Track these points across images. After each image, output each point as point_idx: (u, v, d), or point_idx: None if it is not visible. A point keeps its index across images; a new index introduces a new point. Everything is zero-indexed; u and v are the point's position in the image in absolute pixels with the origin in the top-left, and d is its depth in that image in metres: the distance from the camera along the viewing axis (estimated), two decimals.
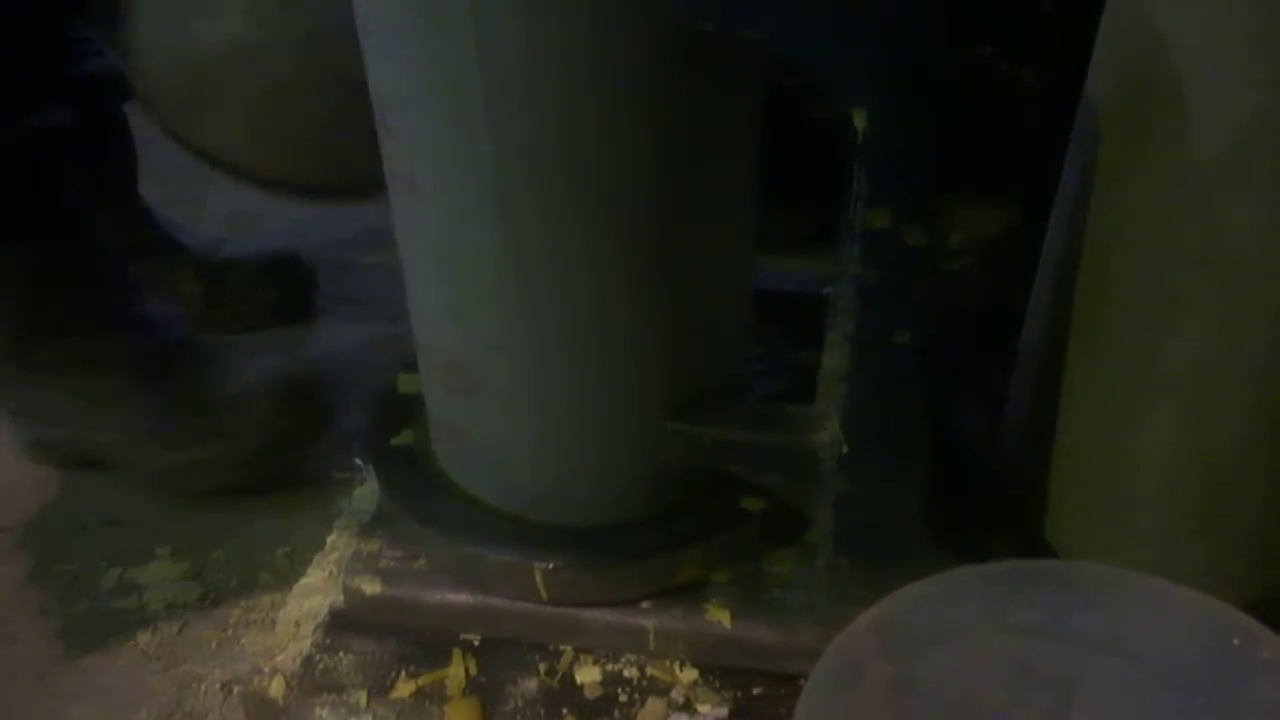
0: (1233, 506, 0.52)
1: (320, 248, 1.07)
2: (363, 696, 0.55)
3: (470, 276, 0.49)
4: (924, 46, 0.41)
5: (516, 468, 0.54)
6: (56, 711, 0.60)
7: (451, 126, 0.45)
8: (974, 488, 0.60)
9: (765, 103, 0.52)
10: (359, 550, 0.59)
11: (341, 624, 0.59)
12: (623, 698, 0.55)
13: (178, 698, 0.60)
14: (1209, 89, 0.44)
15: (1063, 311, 0.54)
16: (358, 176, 0.75)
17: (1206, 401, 0.49)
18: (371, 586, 0.57)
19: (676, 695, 0.55)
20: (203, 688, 0.61)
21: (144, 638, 0.64)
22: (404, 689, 0.55)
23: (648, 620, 0.56)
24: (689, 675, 0.56)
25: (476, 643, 0.58)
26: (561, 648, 0.57)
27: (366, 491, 0.67)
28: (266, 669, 0.58)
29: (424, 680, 0.56)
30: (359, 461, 0.73)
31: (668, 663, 0.56)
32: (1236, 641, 0.39)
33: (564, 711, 0.54)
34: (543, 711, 0.54)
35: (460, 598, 0.57)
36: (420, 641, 0.57)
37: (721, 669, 0.56)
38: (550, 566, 0.54)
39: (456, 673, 0.56)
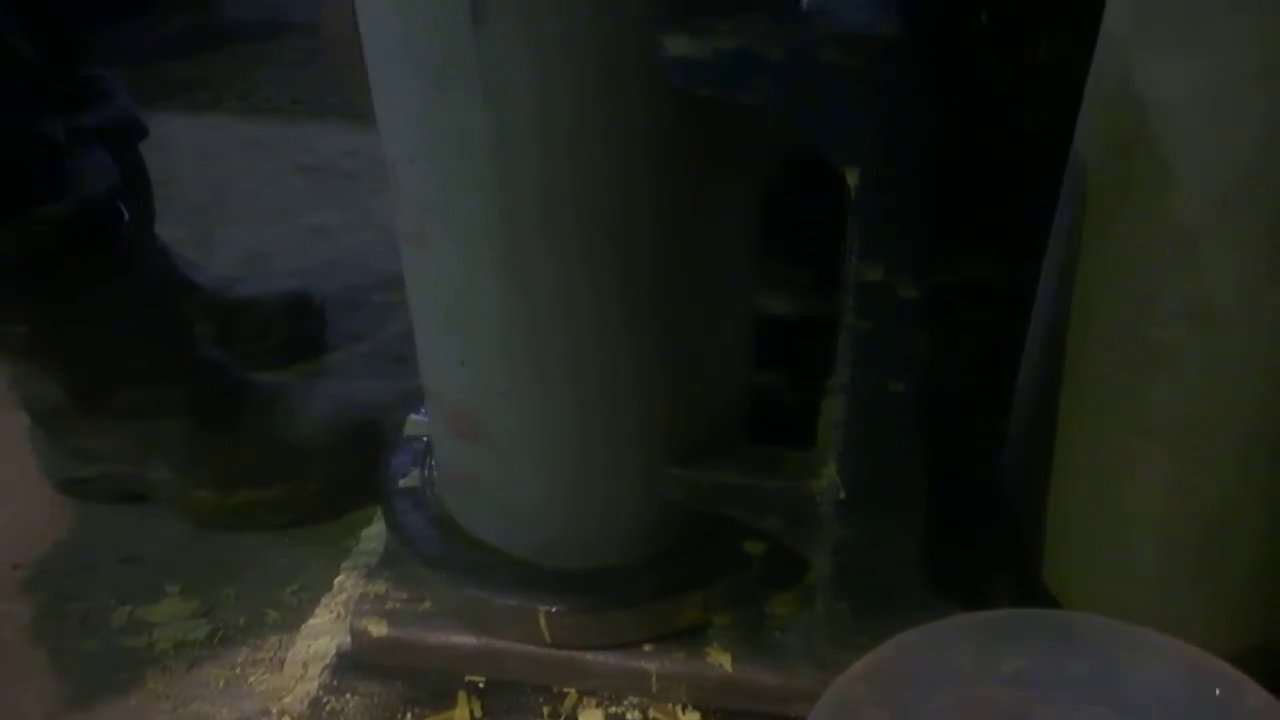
0: (1227, 554, 0.52)
1: (331, 286, 1.09)
2: None
3: (478, 326, 0.50)
4: (914, 107, 0.42)
5: (521, 512, 0.55)
6: None
7: (460, 183, 0.46)
8: (973, 532, 0.61)
9: (767, 155, 0.53)
10: (366, 592, 0.60)
11: (348, 665, 0.60)
12: None
13: None
14: (1191, 151, 0.45)
15: (1055, 359, 0.55)
16: None
17: (1195, 452, 0.50)
18: (378, 628, 0.58)
19: None
20: None
21: (153, 677, 0.65)
22: None
23: (650, 663, 0.56)
24: (691, 718, 0.57)
25: (482, 685, 0.58)
26: (565, 690, 0.58)
27: (375, 532, 0.68)
28: (274, 710, 0.58)
29: None
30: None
31: (670, 705, 0.57)
32: (1221, 692, 0.39)
33: None
34: None
35: (465, 640, 0.58)
36: (426, 683, 0.58)
37: (723, 712, 0.57)
38: (554, 610, 0.55)
39: (462, 714, 0.57)
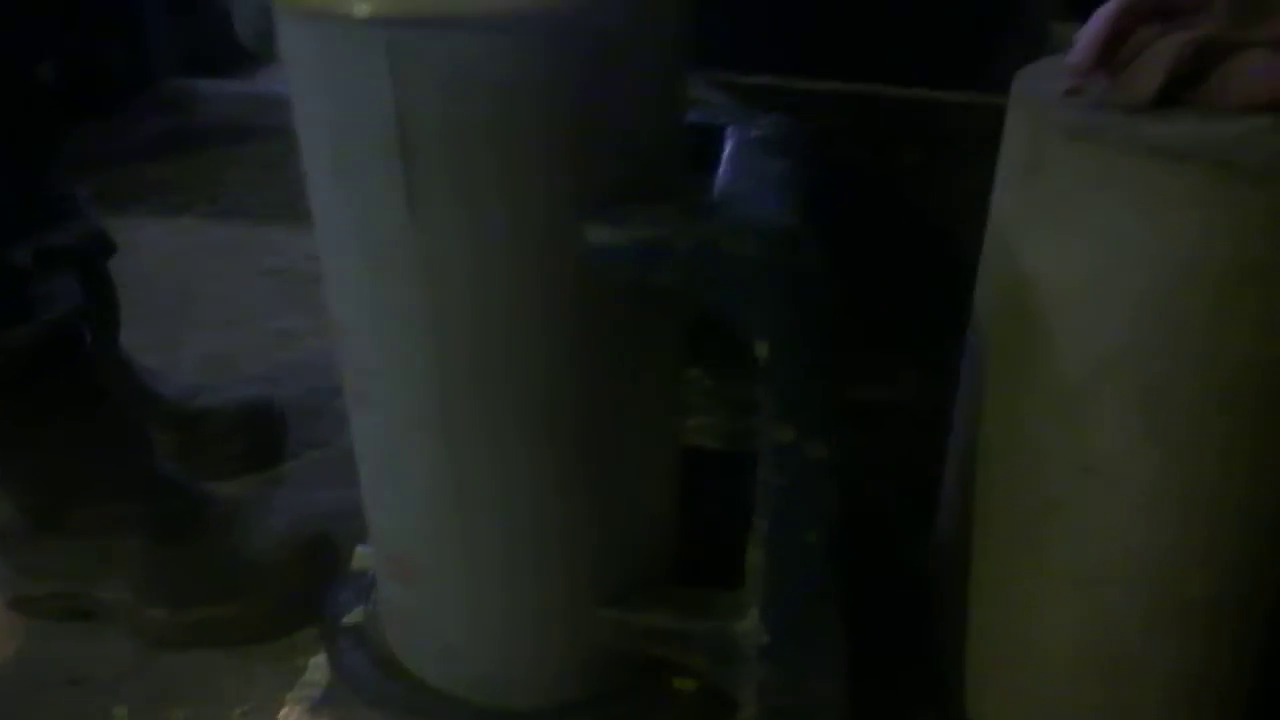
0: (1135, 693, 0.55)
1: (294, 391, 1.11)
2: None
3: (412, 479, 0.53)
4: (813, 290, 0.46)
5: (456, 653, 0.57)
6: None
7: (398, 352, 0.49)
8: (896, 669, 0.63)
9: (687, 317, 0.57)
10: None
11: None
12: None
13: None
14: (1072, 322, 0.49)
15: (967, 502, 0.58)
16: None
17: (1093, 596, 0.53)
18: None
19: None
20: None
21: None
22: None
23: None
24: None
25: None
26: None
27: (321, 661, 0.69)
28: None
29: None
30: None
31: None
32: None
33: None
34: None
35: None
36: None
37: None
38: None
39: None
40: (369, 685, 0.59)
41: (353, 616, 0.63)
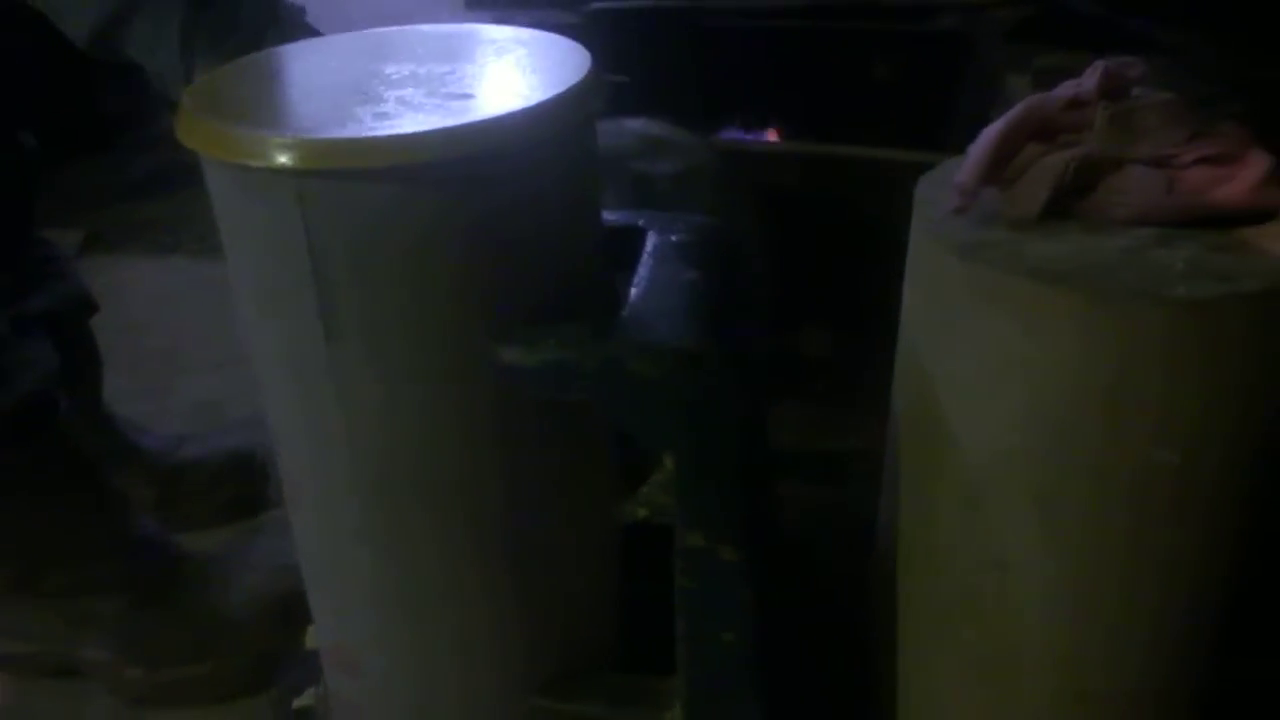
0: None
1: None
2: None
3: (344, 579, 0.55)
4: (717, 407, 0.48)
5: None
6: None
7: (320, 466, 0.52)
8: None
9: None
10: None
11: None
12: None
13: None
14: (971, 421, 0.51)
15: (888, 586, 0.60)
16: None
17: (1002, 689, 0.55)
18: None
19: None
20: None
21: None
22: None
23: None
24: None
25: None
26: None
27: None
28: None
29: None
30: None
31: None
32: None
33: None
34: None
35: None
36: None
37: None
38: None
39: None
40: None
41: (304, 699, 0.66)
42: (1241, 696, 0.58)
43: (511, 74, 0.50)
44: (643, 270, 0.54)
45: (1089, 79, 0.50)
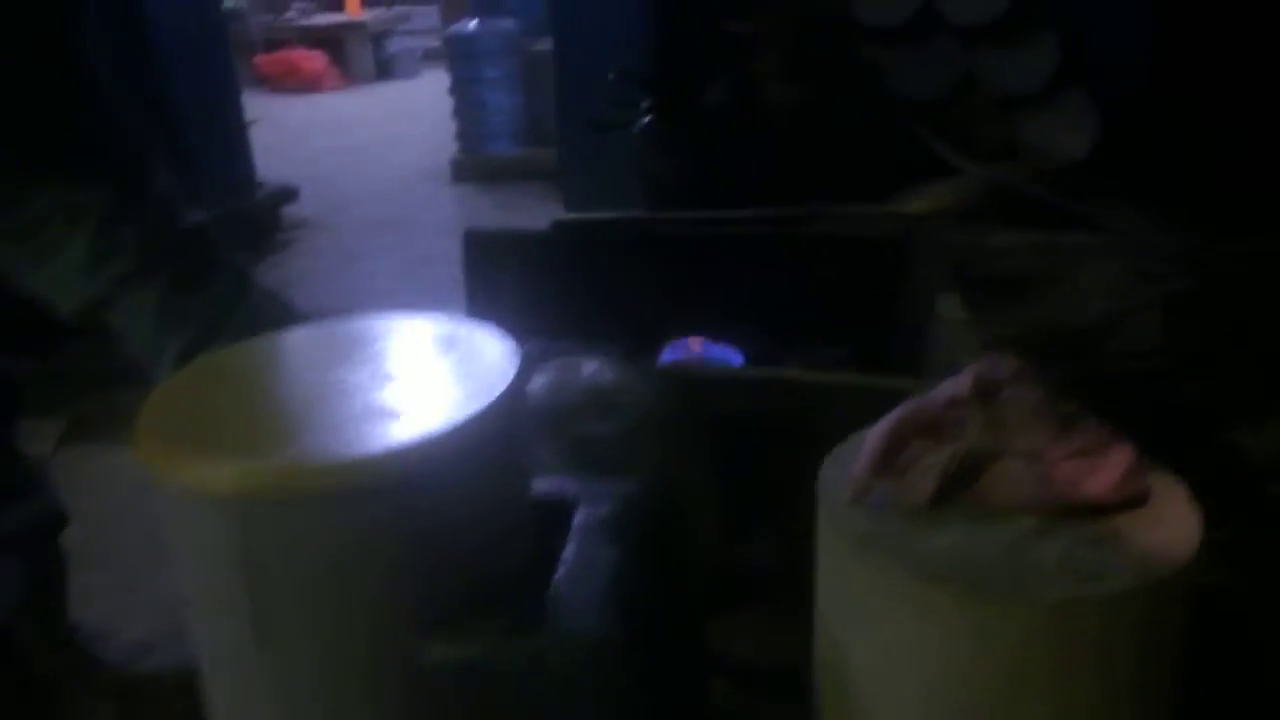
0: None
1: None
2: None
3: None
4: (628, 694, 0.51)
5: None
6: None
7: None
8: None
9: None
10: None
11: None
12: None
13: None
14: (879, 695, 0.54)
15: None
16: None
17: None
18: None
19: None
20: None
21: None
22: None
23: None
24: None
25: None
26: None
27: None
28: None
29: None
30: None
31: None
32: None
33: None
34: None
35: None
36: None
37: None
38: None
39: None
40: None
41: None
42: None
43: (445, 383, 0.55)
44: (568, 551, 0.57)
45: (964, 380, 0.55)
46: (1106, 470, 0.52)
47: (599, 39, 1.97)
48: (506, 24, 3.45)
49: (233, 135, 2.91)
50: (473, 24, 3.43)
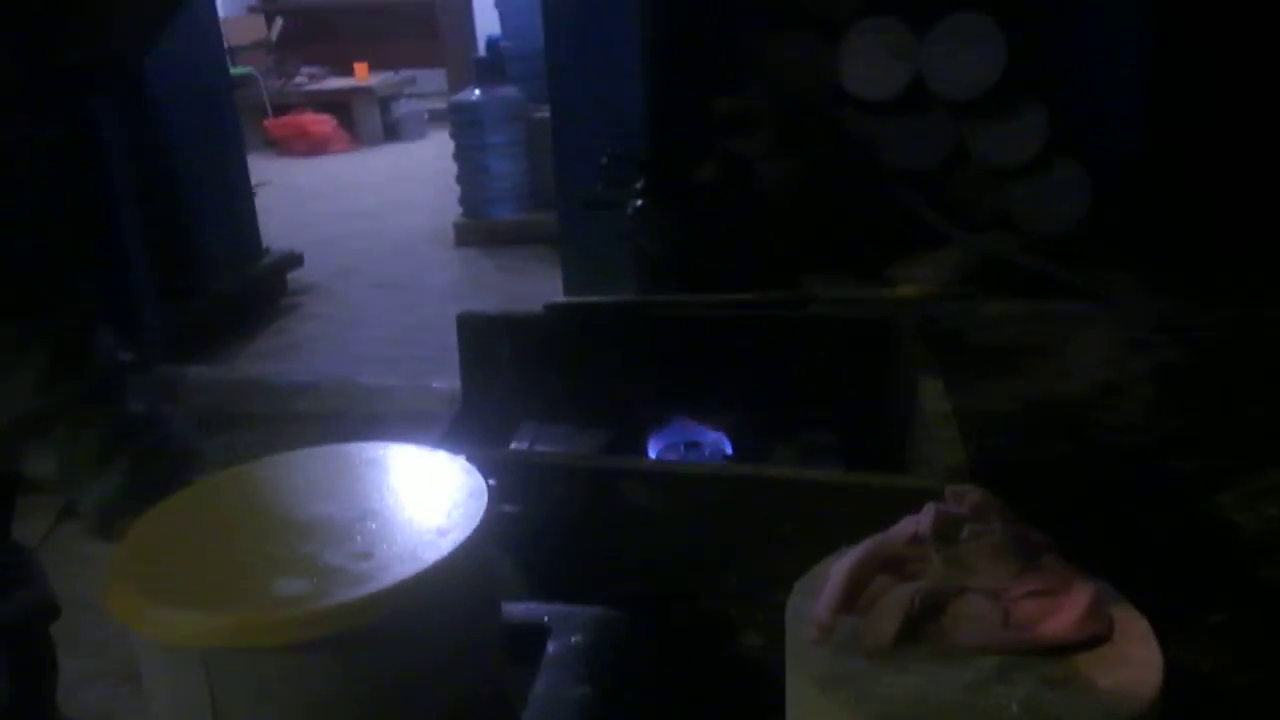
0: None
1: None
2: None
3: None
4: None
5: None
6: None
7: None
8: None
9: None
10: None
11: None
12: None
13: None
14: None
15: None
16: None
17: None
18: None
19: None
20: None
21: None
22: None
23: None
24: None
25: None
26: None
27: None
28: None
29: None
30: None
31: None
32: None
33: None
34: None
35: None
36: None
37: None
38: None
39: None
40: None
41: None
42: None
43: (412, 524, 0.55)
44: (539, 684, 0.58)
45: (925, 518, 0.56)
46: (1067, 609, 0.52)
47: (595, 115, 2.01)
48: (509, 91, 3.52)
49: (238, 203, 2.97)
50: (476, 92, 3.50)
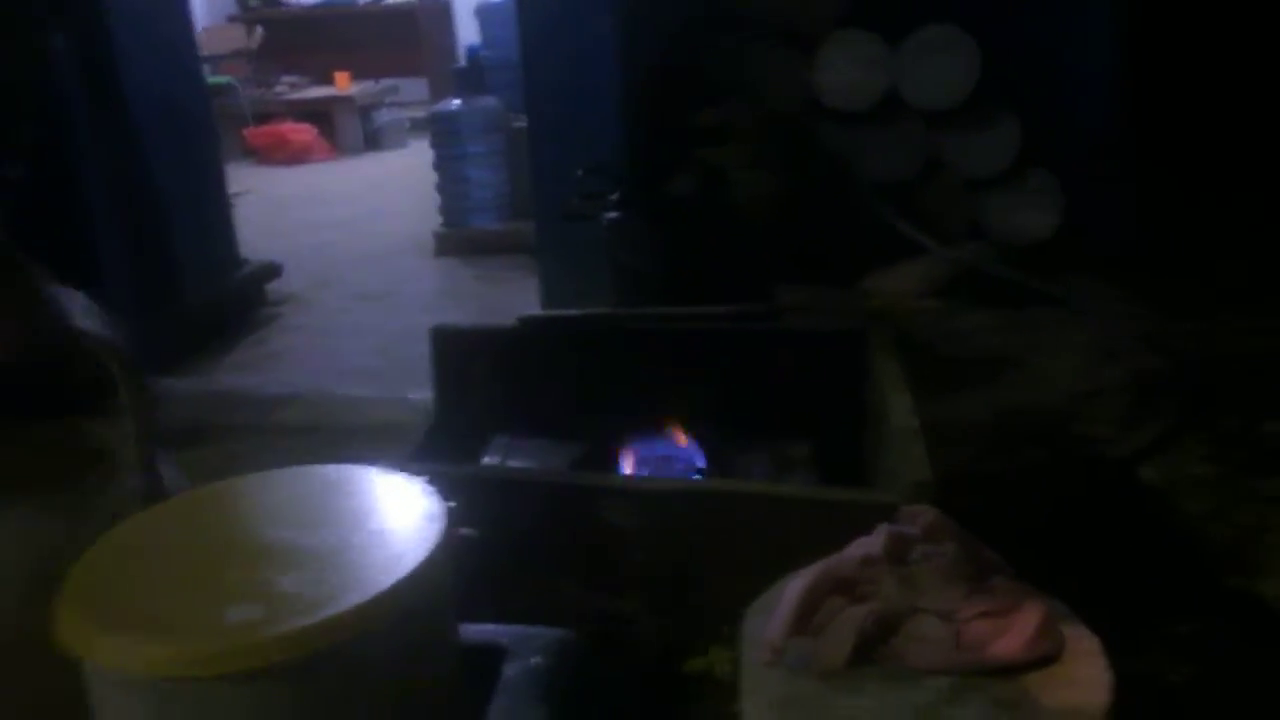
0: None
1: None
2: None
3: None
4: None
5: None
6: None
7: None
8: None
9: None
10: None
11: None
12: None
13: None
14: None
15: None
16: None
17: None
18: None
19: None
20: None
21: None
22: None
23: None
24: None
25: None
26: None
27: None
28: None
29: None
30: None
31: None
32: None
33: None
34: None
35: None
36: None
37: None
38: None
39: None
40: None
41: None
42: None
43: (367, 548, 0.55)
44: (496, 705, 0.58)
45: (877, 540, 0.56)
46: (1017, 629, 0.53)
47: (572, 127, 2.01)
48: (489, 101, 3.51)
49: (215, 214, 2.95)
50: (456, 103, 3.50)
